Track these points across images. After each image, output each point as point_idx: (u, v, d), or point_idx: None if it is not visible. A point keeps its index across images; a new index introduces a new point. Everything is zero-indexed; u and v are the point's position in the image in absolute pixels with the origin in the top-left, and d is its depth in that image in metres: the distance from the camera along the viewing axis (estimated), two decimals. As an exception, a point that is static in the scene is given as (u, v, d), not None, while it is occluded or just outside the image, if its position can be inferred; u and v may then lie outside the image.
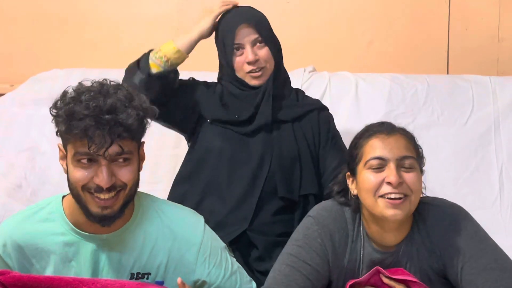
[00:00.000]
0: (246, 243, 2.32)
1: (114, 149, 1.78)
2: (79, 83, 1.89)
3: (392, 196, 1.87)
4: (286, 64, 2.50)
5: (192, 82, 2.54)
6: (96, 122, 1.75)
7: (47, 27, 3.62)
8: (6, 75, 3.63)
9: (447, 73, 3.44)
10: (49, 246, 1.92)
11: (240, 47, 2.37)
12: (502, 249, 1.93)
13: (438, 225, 1.93)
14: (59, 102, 1.83)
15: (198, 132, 2.44)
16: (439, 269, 1.93)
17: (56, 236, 1.92)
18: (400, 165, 1.90)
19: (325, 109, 2.53)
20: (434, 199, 2.01)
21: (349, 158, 2.00)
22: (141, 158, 1.92)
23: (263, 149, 2.37)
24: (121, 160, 1.81)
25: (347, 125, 2.97)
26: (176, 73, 2.46)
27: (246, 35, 2.36)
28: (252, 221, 2.33)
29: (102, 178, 1.79)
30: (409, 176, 1.90)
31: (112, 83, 1.88)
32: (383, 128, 1.96)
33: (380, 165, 1.91)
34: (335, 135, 2.49)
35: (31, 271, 1.92)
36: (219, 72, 2.51)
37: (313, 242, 1.97)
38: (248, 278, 2.09)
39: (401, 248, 1.95)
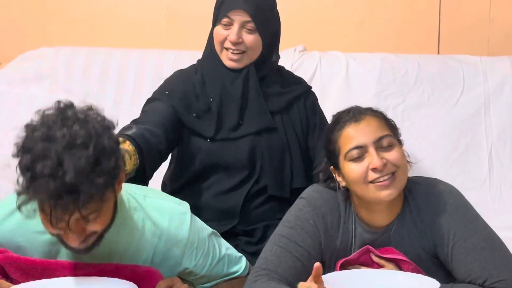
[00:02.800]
0: (234, 233, 2.31)
1: (77, 216, 1.61)
2: (39, 119, 1.67)
3: (381, 179, 1.87)
4: (276, 43, 2.48)
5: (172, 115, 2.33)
6: (55, 202, 1.57)
7: (36, 5, 3.59)
8: (-6, 53, 3.61)
9: (438, 53, 3.43)
10: (31, 244, 1.85)
11: (229, 22, 2.30)
12: (492, 229, 1.94)
13: (428, 205, 1.94)
14: (18, 154, 1.65)
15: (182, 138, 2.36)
16: (429, 249, 1.94)
17: (38, 234, 1.84)
18: (379, 146, 1.89)
19: (310, 90, 2.49)
20: (425, 178, 2.01)
21: (328, 153, 1.99)
22: (116, 190, 1.75)
23: (253, 147, 2.33)
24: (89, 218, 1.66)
25: (337, 105, 2.94)
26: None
27: (239, 14, 2.28)
28: (240, 216, 2.31)
29: (71, 242, 1.67)
30: (391, 155, 1.89)
31: (81, 132, 1.61)
32: (351, 116, 1.94)
33: (360, 153, 1.90)
34: (322, 118, 2.45)
35: None
36: (205, 50, 2.43)
37: (305, 224, 1.97)
38: (238, 255, 2.07)
39: (392, 228, 1.95)
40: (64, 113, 1.66)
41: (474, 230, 1.90)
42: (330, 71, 3.20)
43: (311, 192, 2.02)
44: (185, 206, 1.98)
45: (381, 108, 3.06)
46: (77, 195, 1.57)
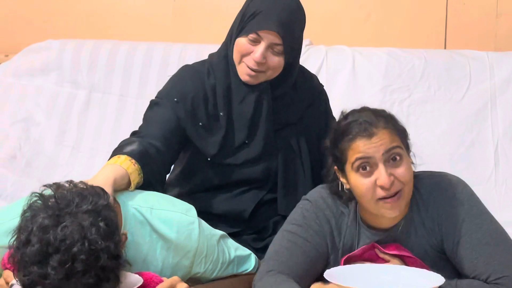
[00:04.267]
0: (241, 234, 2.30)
1: None
2: (36, 228, 1.58)
3: (388, 197, 1.85)
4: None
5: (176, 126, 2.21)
6: None
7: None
8: (1, 45, 3.61)
9: (445, 47, 3.42)
10: None
11: (257, 39, 2.13)
12: (498, 224, 1.92)
13: (436, 201, 1.92)
14: (14, 262, 1.61)
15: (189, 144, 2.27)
16: (437, 245, 1.93)
17: None
18: (387, 159, 1.85)
19: (321, 93, 2.41)
20: (431, 174, 1.99)
21: (334, 157, 1.95)
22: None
23: (266, 168, 2.27)
24: None
25: (343, 99, 2.96)
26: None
27: (270, 34, 2.14)
28: (249, 221, 2.27)
29: None
30: (399, 171, 1.85)
31: (80, 255, 1.55)
32: (362, 130, 1.87)
33: (368, 165, 1.85)
34: (333, 119, 2.40)
35: None
36: (219, 52, 2.30)
37: (312, 223, 1.97)
38: (247, 254, 2.07)
39: (398, 229, 1.94)
40: (60, 222, 1.58)
41: (480, 225, 1.89)
42: (336, 65, 3.20)
43: (316, 197, 2.01)
44: (192, 214, 1.95)
45: (387, 103, 3.07)
46: None
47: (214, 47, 2.36)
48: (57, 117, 3.23)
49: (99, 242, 1.56)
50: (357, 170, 1.86)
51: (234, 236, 2.17)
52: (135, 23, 3.54)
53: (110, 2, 3.56)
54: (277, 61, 2.16)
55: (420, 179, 1.96)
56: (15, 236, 1.61)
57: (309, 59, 3.17)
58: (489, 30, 3.40)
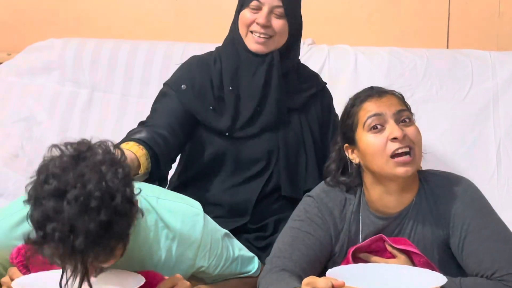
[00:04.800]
0: (244, 230, 2.30)
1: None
2: (52, 167, 1.61)
3: (400, 151, 1.88)
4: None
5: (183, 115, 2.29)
6: (63, 262, 1.59)
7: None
8: (4, 44, 3.61)
9: (447, 47, 3.42)
10: None
11: (259, 6, 2.26)
12: (506, 225, 1.95)
13: (446, 194, 1.95)
14: (30, 202, 1.61)
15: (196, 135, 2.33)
16: (444, 238, 1.95)
17: None
18: (398, 119, 1.92)
19: (325, 88, 2.47)
20: (443, 172, 2.04)
21: (344, 128, 2.00)
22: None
23: (270, 147, 2.31)
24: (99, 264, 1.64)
25: (345, 98, 2.95)
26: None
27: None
28: (252, 214, 2.29)
29: None
30: (410, 130, 1.92)
31: (95, 192, 1.57)
32: (374, 92, 1.98)
33: (379, 122, 1.91)
34: (336, 118, 2.43)
35: None
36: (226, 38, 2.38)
37: (315, 217, 2.00)
38: (250, 255, 2.08)
39: (406, 215, 1.96)
40: (79, 163, 1.60)
41: (489, 223, 1.92)
42: (339, 64, 3.20)
43: (318, 191, 2.05)
44: (197, 207, 1.96)
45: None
46: (86, 256, 1.57)
47: (216, 46, 2.38)
48: (59, 116, 3.23)
49: (115, 182, 1.59)
50: (369, 129, 1.92)
51: (236, 233, 2.17)
52: (137, 22, 3.54)
53: (112, 1, 3.56)
54: (281, 24, 2.27)
55: (431, 173, 2.01)
56: (34, 179, 1.63)
57: (311, 59, 3.17)
58: (491, 29, 3.39)
